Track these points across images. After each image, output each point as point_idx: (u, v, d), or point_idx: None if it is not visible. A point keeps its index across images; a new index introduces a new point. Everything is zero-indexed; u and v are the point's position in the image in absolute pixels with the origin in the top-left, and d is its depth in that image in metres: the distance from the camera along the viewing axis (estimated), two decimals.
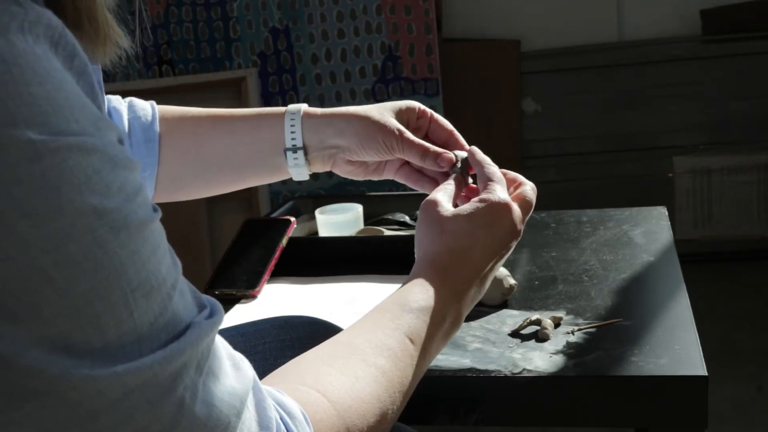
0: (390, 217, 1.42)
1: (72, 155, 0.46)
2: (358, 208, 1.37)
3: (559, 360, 0.90)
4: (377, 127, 0.94)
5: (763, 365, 2.42)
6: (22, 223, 0.44)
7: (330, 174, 3.23)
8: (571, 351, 0.92)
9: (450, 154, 0.96)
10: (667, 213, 1.36)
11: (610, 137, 3.18)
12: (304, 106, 0.96)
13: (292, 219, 1.28)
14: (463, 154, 0.92)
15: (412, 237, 1.28)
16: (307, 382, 0.65)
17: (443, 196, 0.86)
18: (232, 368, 0.56)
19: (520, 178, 0.89)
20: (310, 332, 0.96)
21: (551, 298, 1.06)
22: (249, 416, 0.55)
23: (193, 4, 3.23)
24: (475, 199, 0.83)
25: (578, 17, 3.27)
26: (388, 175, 1.00)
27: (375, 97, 3.19)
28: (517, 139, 3.21)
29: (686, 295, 1.03)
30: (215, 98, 3.18)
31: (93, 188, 0.47)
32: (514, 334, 0.97)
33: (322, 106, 3.21)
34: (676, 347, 0.90)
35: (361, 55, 3.19)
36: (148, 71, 3.24)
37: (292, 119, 0.95)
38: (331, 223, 1.36)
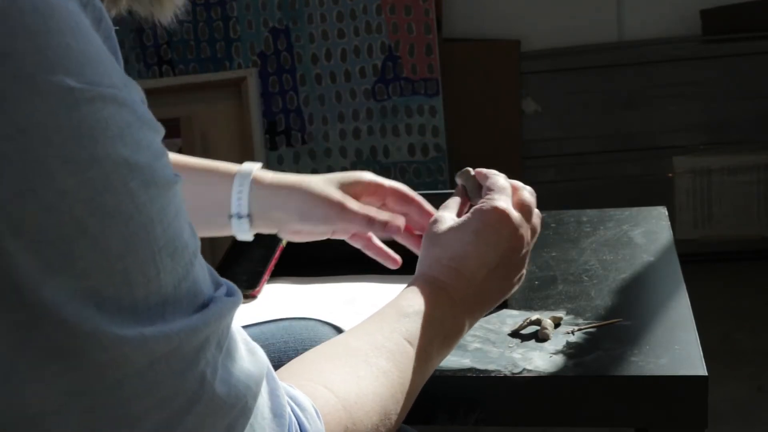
0: None
1: (106, 106, 0.47)
2: None
3: (559, 360, 0.90)
4: (318, 200, 0.95)
5: (763, 365, 2.42)
6: (62, 171, 0.45)
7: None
8: (571, 351, 0.92)
9: (398, 221, 0.97)
10: (667, 213, 1.36)
11: (610, 137, 3.17)
12: (255, 169, 0.99)
13: None
14: (467, 170, 0.91)
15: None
16: (313, 378, 0.66)
17: (444, 213, 0.87)
18: (247, 352, 0.56)
19: (518, 183, 0.89)
20: (313, 335, 0.96)
21: (551, 298, 1.06)
22: (263, 402, 0.56)
23: (193, 4, 3.23)
24: (470, 210, 0.83)
25: (578, 17, 3.27)
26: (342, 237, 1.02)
27: (375, 96, 3.19)
28: (517, 139, 3.21)
29: (686, 295, 1.03)
30: (215, 98, 3.18)
31: (125, 141, 0.48)
32: (514, 334, 0.97)
33: (322, 106, 3.22)
34: (676, 347, 0.90)
35: (361, 55, 3.19)
36: (148, 71, 3.24)
37: (240, 185, 0.97)
38: None
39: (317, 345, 0.73)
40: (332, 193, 0.96)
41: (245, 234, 0.98)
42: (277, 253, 1.24)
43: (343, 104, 3.22)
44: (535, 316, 0.98)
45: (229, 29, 3.23)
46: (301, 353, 0.72)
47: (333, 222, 0.97)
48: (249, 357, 0.56)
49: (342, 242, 1.31)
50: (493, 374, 0.88)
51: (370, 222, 0.96)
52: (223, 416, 0.53)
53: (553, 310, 1.03)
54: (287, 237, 1.01)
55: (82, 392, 0.47)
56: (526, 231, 0.83)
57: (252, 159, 3.19)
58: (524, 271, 0.86)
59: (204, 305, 0.52)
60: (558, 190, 3.19)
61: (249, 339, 0.58)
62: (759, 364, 2.42)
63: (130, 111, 0.49)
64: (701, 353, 0.88)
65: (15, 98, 0.44)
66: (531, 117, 3.22)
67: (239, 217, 0.97)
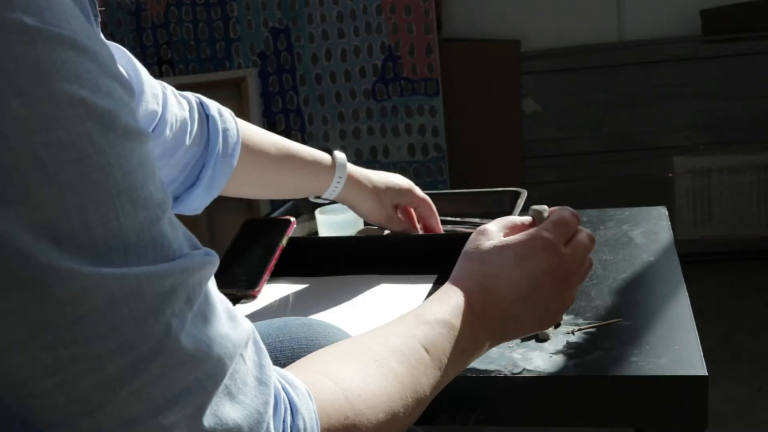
0: None
1: (64, 49, 0.49)
2: None
3: (559, 360, 0.90)
4: (377, 210, 1.28)
5: (763, 365, 2.42)
6: (16, 101, 0.47)
7: None
8: (571, 351, 0.92)
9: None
10: (667, 213, 1.36)
11: (610, 137, 3.18)
12: (345, 159, 1.25)
13: (292, 219, 1.28)
14: (542, 209, 0.87)
15: (411, 237, 1.29)
16: (317, 369, 0.66)
17: (494, 226, 0.84)
18: (227, 319, 0.57)
19: (581, 227, 0.85)
20: (309, 334, 0.96)
21: None
22: (245, 369, 0.56)
23: (193, 4, 3.23)
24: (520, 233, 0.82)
25: (578, 17, 3.27)
26: None
27: (375, 96, 3.19)
28: (517, 139, 3.21)
29: (686, 295, 1.03)
30: (215, 98, 3.18)
31: (83, 83, 0.49)
32: None
33: (322, 106, 3.22)
34: (676, 347, 0.90)
35: (361, 55, 3.19)
36: (148, 71, 3.24)
37: (339, 176, 1.24)
38: (331, 223, 1.36)
39: (313, 344, 0.73)
40: (387, 209, 1.29)
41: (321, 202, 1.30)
42: (277, 253, 1.24)
43: (343, 104, 3.22)
44: None
45: (229, 29, 3.23)
46: (297, 352, 0.72)
47: (381, 224, 1.30)
48: (229, 323, 0.56)
49: (342, 243, 1.31)
50: (493, 374, 0.88)
51: (403, 231, 1.31)
52: (190, 371, 0.52)
53: None
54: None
55: (43, 327, 0.48)
56: (570, 267, 0.81)
57: None
58: (562, 311, 0.83)
59: (173, 259, 0.53)
60: (558, 190, 3.19)
61: (233, 309, 0.58)
62: (759, 364, 2.42)
63: (91, 58, 0.50)
64: (701, 353, 0.88)
65: None
66: (531, 117, 3.22)
67: (324, 199, 1.26)
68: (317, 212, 1.38)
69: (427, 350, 0.73)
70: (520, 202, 1.33)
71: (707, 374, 0.85)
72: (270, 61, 3.22)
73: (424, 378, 0.71)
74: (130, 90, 0.53)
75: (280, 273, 1.24)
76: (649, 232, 1.28)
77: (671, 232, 1.27)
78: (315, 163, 1.22)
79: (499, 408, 0.89)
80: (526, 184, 3.07)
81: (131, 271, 0.50)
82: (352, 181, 1.24)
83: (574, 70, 3.16)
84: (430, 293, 1.09)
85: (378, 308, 1.10)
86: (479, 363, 0.91)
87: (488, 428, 0.95)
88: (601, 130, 3.18)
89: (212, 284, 0.57)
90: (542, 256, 0.79)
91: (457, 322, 0.76)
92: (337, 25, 3.18)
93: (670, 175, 3.13)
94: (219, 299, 0.57)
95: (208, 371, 0.53)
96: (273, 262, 1.23)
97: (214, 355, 0.54)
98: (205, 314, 0.54)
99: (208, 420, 0.53)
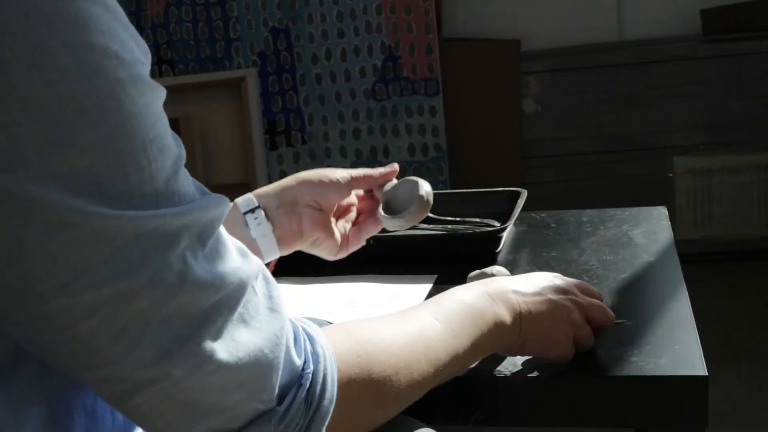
0: None
1: (95, 5, 0.52)
2: None
3: None
4: (322, 180, 1.04)
5: (763, 365, 2.42)
6: (61, 51, 0.50)
7: None
8: None
9: (394, 167, 1.09)
10: (667, 213, 1.36)
11: (610, 137, 3.18)
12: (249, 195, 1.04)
13: None
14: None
15: (410, 237, 1.28)
16: (332, 326, 0.72)
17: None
18: (239, 255, 0.61)
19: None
20: None
21: None
22: (256, 300, 0.61)
23: (193, 4, 3.23)
24: None
25: (578, 17, 3.27)
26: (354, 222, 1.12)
27: (375, 96, 3.19)
28: (517, 139, 3.21)
29: (686, 295, 1.03)
30: (215, 98, 3.19)
31: (113, 37, 0.53)
32: None
33: (322, 106, 3.22)
34: (676, 347, 0.90)
35: (361, 55, 3.19)
36: None
37: (244, 200, 1.02)
38: None
39: None
40: (332, 174, 1.05)
41: (266, 231, 1.02)
42: None
43: (343, 104, 3.22)
44: None
45: (229, 29, 3.23)
46: None
47: (343, 191, 1.05)
48: (240, 259, 0.61)
49: None
50: (493, 374, 0.88)
51: (371, 176, 1.07)
52: (208, 297, 0.57)
53: None
54: (307, 223, 1.04)
55: (85, 267, 0.52)
56: (580, 302, 0.89)
57: (252, 159, 3.20)
58: (572, 342, 0.88)
59: (190, 202, 0.58)
60: (558, 190, 3.19)
61: (244, 248, 0.63)
62: (759, 364, 2.42)
63: (116, 17, 0.54)
64: (701, 353, 0.88)
65: None
66: (531, 117, 3.22)
67: (252, 211, 1.01)
68: None
69: (437, 320, 0.77)
70: (520, 202, 1.33)
71: (707, 374, 0.85)
72: (270, 61, 3.22)
73: (437, 342, 0.76)
74: (146, 53, 0.56)
75: (280, 273, 1.24)
76: (649, 232, 1.28)
77: (671, 232, 1.27)
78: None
79: (499, 408, 0.89)
80: (526, 184, 3.07)
81: (158, 212, 0.54)
82: (262, 192, 1.04)
83: (574, 70, 3.16)
84: (430, 293, 1.09)
85: (378, 308, 1.10)
86: (479, 363, 0.91)
87: (488, 428, 0.95)
88: (601, 130, 3.18)
89: (223, 229, 0.61)
90: (549, 277, 0.90)
91: (471, 300, 0.81)
92: (337, 24, 3.18)
93: (670, 175, 3.13)
94: (231, 240, 0.61)
95: (222, 299, 0.58)
96: (273, 262, 1.23)
97: (228, 284, 0.58)
98: (218, 250, 0.59)
99: (228, 344, 0.58)
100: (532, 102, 3.20)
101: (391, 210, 1.07)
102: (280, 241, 1.03)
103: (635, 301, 1.04)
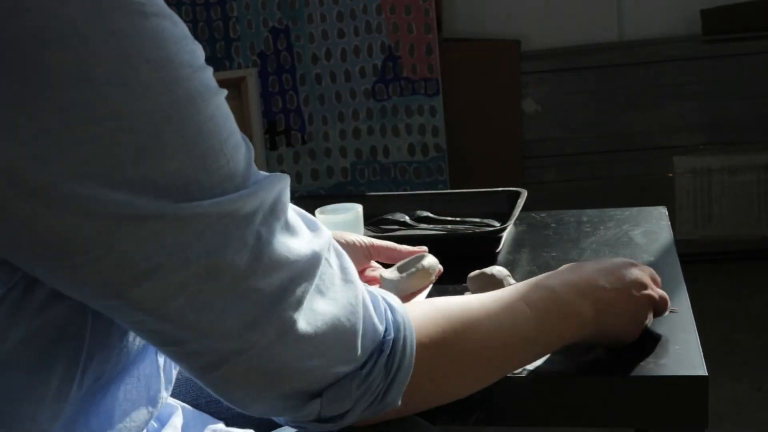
0: (390, 217, 1.42)
1: (167, 22, 0.56)
2: (358, 208, 1.36)
3: (559, 360, 0.90)
4: (339, 238, 1.06)
5: (763, 365, 2.42)
6: (145, 68, 0.55)
7: (330, 174, 3.24)
8: (571, 351, 0.92)
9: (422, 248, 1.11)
10: (667, 213, 1.36)
11: (610, 137, 3.17)
12: None
13: None
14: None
15: (410, 237, 1.28)
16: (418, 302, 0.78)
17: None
18: (309, 231, 0.66)
19: None
20: None
21: None
22: (330, 272, 0.65)
23: (193, 4, 3.23)
24: None
25: (578, 17, 3.27)
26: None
27: (375, 96, 3.19)
28: (517, 139, 3.21)
29: (686, 295, 1.03)
30: None
31: (184, 49, 0.57)
32: None
33: (322, 106, 3.22)
34: (676, 347, 0.90)
35: (361, 55, 3.19)
36: None
37: None
38: (331, 223, 1.35)
39: None
40: (359, 237, 1.09)
41: None
42: None
43: (343, 104, 3.22)
44: None
45: (229, 29, 3.23)
46: None
47: (359, 258, 1.07)
48: (311, 232, 0.65)
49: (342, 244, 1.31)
50: None
51: (395, 250, 1.11)
52: (285, 271, 0.61)
53: None
54: None
55: (173, 249, 0.56)
56: (645, 283, 0.89)
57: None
58: (638, 330, 0.90)
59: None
60: (558, 190, 3.19)
61: (313, 220, 0.67)
62: (759, 364, 2.42)
63: (182, 29, 0.58)
64: (701, 353, 0.88)
65: (107, 9, 0.54)
66: (531, 117, 3.22)
67: None
68: (317, 212, 1.38)
69: (528, 306, 0.79)
70: (520, 202, 1.33)
71: (707, 374, 0.85)
72: (270, 61, 3.22)
73: (524, 330, 0.79)
74: (203, 55, 0.60)
75: None
76: (649, 232, 1.28)
77: (671, 232, 1.27)
78: None
79: (499, 408, 0.89)
80: (526, 184, 3.07)
81: (235, 195, 0.59)
82: None
83: (574, 70, 3.16)
84: (430, 293, 1.09)
85: None
86: None
87: (488, 428, 0.95)
88: (601, 130, 3.17)
89: (291, 204, 0.65)
90: (632, 270, 0.89)
91: (561, 289, 0.83)
92: (337, 24, 3.18)
93: (670, 175, 3.13)
94: (300, 214, 0.67)
95: (298, 271, 0.62)
96: None
97: (303, 256, 0.63)
98: (288, 224, 0.63)
99: (307, 314, 0.62)
100: (532, 102, 3.20)
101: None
102: None
103: None
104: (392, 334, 0.68)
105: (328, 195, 2.73)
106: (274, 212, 0.62)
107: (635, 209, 1.39)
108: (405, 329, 0.69)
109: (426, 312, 0.73)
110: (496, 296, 0.80)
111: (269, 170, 3.60)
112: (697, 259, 3.00)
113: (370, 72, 3.19)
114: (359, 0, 3.14)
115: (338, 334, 0.64)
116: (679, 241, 1.28)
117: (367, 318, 0.67)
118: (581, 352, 0.91)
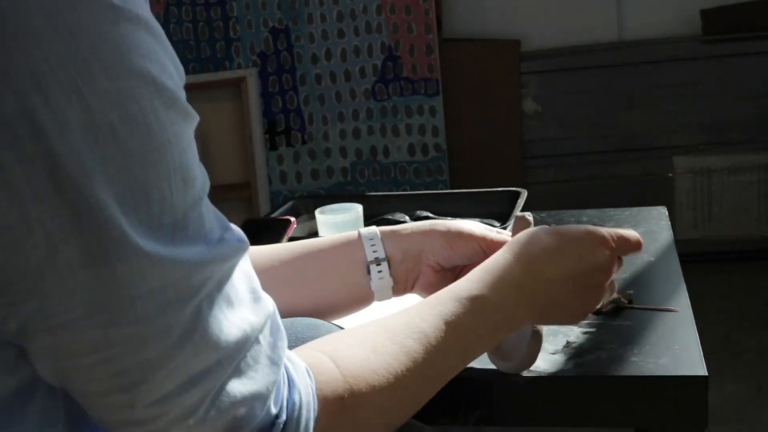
0: (390, 217, 1.42)
1: (140, 28, 0.52)
2: (358, 208, 1.37)
3: (559, 360, 0.90)
4: (461, 236, 0.90)
5: (763, 365, 2.42)
6: (102, 76, 0.49)
7: (330, 174, 3.24)
8: (571, 351, 0.92)
9: None
10: (667, 213, 1.36)
11: (610, 137, 3.18)
12: (375, 228, 0.92)
13: (292, 219, 1.28)
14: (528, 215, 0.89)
15: None
16: (322, 348, 0.68)
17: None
18: (251, 300, 0.59)
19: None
20: (315, 334, 0.96)
21: None
22: (260, 349, 0.59)
23: (193, 4, 3.23)
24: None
25: (578, 17, 3.27)
26: None
27: (375, 96, 3.19)
28: (517, 139, 3.21)
29: (686, 295, 1.03)
30: (215, 98, 3.18)
31: (153, 61, 0.52)
32: (597, 312, 0.97)
33: (322, 106, 3.22)
34: (676, 347, 0.90)
35: (361, 55, 3.19)
36: None
37: (370, 237, 0.91)
38: (331, 223, 1.35)
39: None
40: (474, 229, 0.90)
41: (385, 284, 0.91)
42: None
43: (343, 104, 3.22)
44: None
45: (229, 29, 3.23)
46: None
47: (478, 256, 0.89)
48: (252, 305, 0.59)
49: None
50: (493, 374, 0.88)
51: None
52: (214, 351, 0.56)
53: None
54: (422, 286, 0.92)
55: (101, 306, 0.51)
56: (613, 272, 0.84)
57: (252, 159, 3.20)
58: (591, 309, 0.85)
59: (211, 242, 0.56)
60: (558, 190, 3.19)
61: (259, 289, 0.61)
62: (759, 364, 2.42)
63: (158, 40, 0.53)
64: (701, 353, 0.88)
65: (70, 6, 0.49)
66: (531, 117, 3.22)
67: (378, 263, 0.90)
68: (317, 212, 1.38)
69: (450, 327, 0.73)
70: (520, 202, 1.33)
71: (707, 374, 0.85)
72: (270, 61, 3.22)
73: (441, 358, 0.72)
74: (182, 75, 0.56)
75: None
76: (649, 232, 1.28)
77: (671, 232, 1.27)
78: (334, 239, 0.94)
79: (499, 408, 0.89)
80: (526, 184, 3.07)
81: (183, 256, 0.53)
82: (393, 232, 0.92)
83: (574, 70, 3.16)
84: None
85: (379, 308, 1.10)
86: (479, 363, 0.91)
87: (488, 428, 0.95)
88: (601, 130, 3.17)
89: (244, 262, 0.59)
90: (594, 248, 0.81)
91: (496, 297, 0.76)
92: (337, 25, 3.18)
93: (670, 175, 3.13)
94: (247, 278, 0.60)
95: (228, 352, 0.56)
96: (292, 225, 1.23)
97: (235, 337, 0.57)
98: (229, 297, 0.57)
99: (219, 397, 0.57)
100: (532, 102, 3.20)
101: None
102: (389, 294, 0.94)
103: (635, 302, 1.04)
104: (284, 416, 0.61)
105: (328, 195, 2.73)
106: (220, 285, 0.56)
107: (635, 209, 1.39)
108: (301, 408, 0.62)
109: (326, 380, 0.65)
110: (413, 324, 0.72)
111: (269, 170, 3.59)
112: (697, 259, 3.00)
113: (370, 72, 3.19)
114: (359, 0, 3.14)
115: (236, 418, 0.58)
116: (679, 241, 1.28)
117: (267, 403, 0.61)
118: (581, 352, 0.91)
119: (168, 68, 0.53)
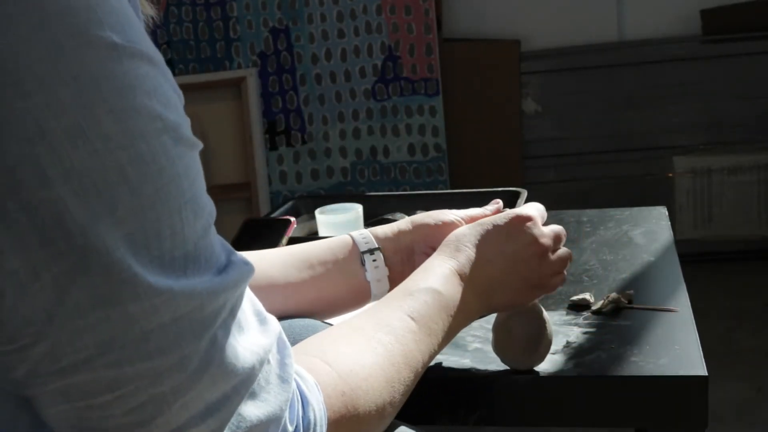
0: (390, 216, 1.42)
1: (143, 64, 0.51)
2: (358, 208, 1.37)
3: (559, 360, 0.90)
4: (439, 227, 0.94)
5: (763, 365, 2.42)
6: (108, 118, 0.49)
7: (330, 174, 3.24)
8: (571, 351, 0.92)
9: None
10: (667, 213, 1.36)
11: (610, 137, 3.18)
12: (365, 230, 0.96)
13: (292, 219, 1.28)
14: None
15: None
16: (312, 352, 0.69)
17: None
18: (257, 323, 0.59)
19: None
20: (313, 334, 0.96)
21: (551, 298, 1.06)
22: (270, 369, 0.59)
23: (193, 4, 3.23)
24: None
25: (578, 17, 3.27)
26: None
27: (375, 96, 3.19)
28: (517, 139, 3.21)
29: (686, 295, 1.03)
30: (215, 98, 3.18)
31: (158, 98, 0.51)
32: (597, 312, 1.00)
33: (322, 106, 3.22)
34: (676, 347, 0.90)
35: (361, 55, 3.19)
36: None
37: (360, 233, 0.95)
38: (331, 223, 1.35)
39: None
40: (446, 216, 0.95)
41: (381, 275, 0.94)
42: None
43: (343, 104, 3.22)
44: (612, 295, 1.01)
45: (229, 29, 3.23)
46: None
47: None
48: (260, 327, 0.59)
49: None
50: (493, 374, 0.88)
51: (485, 215, 0.98)
52: (230, 379, 0.55)
53: (554, 309, 1.03)
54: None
55: (111, 345, 0.50)
56: (547, 243, 0.87)
57: (252, 159, 3.20)
58: (545, 286, 0.88)
59: (220, 269, 0.55)
60: (558, 190, 3.19)
61: (263, 310, 0.61)
62: (759, 364, 2.42)
63: (162, 72, 0.53)
64: (701, 353, 0.88)
65: (71, 49, 0.48)
66: (531, 117, 3.22)
67: (371, 252, 0.93)
68: (317, 212, 1.38)
69: (413, 318, 0.77)
70: (520, 202, 1.33)
71: (707, 374, 0.85)
72: (270, 61, 3.22)
73: (414, 344, 0.76)
74: (181, 98, 0.55)
75: None
76: (649, 232, 1.28)
77: (671, 232, 1.27)
78: (329, 242, 0.97)
79: (499, 408, 0.89)
80: (526, 184, 3.07)
81: (195, 287, 0.52)
82: (381, 233, 0.96)
83: (574, 70, 3.16)
84: None
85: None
86: (479, 363, 0.91)
87: (488, 428, 0.95)
88: (601, 130, 3.18)
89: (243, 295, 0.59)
90: (523, 227, 0.87)
91: (444, 288, 0.81)
92: (337, 25, 3.18)
93: (670, 175, 3.13)
94: (252, 302, 0.60)
95: (243, 378, 0.56)
96: (292, 225, 1.23)
97: (250, 362, 0.56)
98: (240, 322, 0.57)
99: (232, 420, 0.56)
100: (532, 102, 3.20)
101: (503, 337, 0.90)
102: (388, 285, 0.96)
103: (635, 301, 1.04)
104: None
105: (328, 195, 2.73)
106: (234, 311, 0.56)
107: (635, 209, 1.39)
108: (316, 425, 0.63)
109: (326, 382, 0.67)
110: (381, 321, 0.75)
111: (269, 170, 3.60)
112: (697, 259, 3.00)
113: (370, 72, 3.19)
114: (359, 0, 3.14)
115: None
116: (679, 241, 1.29)
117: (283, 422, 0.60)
118: (581, 352, 0.91)
119: (172, 100, 0.53)
